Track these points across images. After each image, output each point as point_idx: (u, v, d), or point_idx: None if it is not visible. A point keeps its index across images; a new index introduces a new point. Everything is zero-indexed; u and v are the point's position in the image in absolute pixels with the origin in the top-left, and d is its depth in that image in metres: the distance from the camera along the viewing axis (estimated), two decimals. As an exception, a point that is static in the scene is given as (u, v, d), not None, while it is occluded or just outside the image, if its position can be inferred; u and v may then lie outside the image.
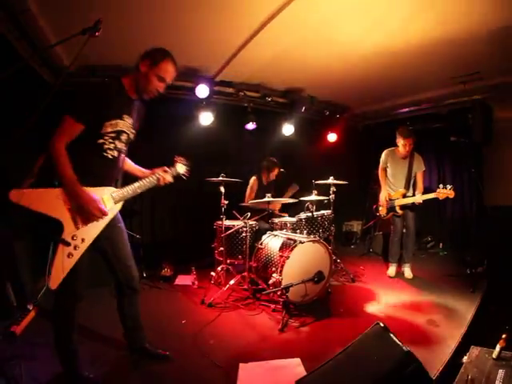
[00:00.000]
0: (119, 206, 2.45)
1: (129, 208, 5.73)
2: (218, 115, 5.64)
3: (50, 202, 2.10)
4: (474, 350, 2.22)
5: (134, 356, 2.76)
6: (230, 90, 5.58)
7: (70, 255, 2.14)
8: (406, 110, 6.56)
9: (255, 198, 5.18)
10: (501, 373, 1.96)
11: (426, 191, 4.67)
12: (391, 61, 4.49)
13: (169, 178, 2.68)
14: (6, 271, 3.41)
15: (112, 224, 2.45)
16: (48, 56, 4.04)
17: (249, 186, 5.51)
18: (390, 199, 4.98)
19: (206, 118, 5.52)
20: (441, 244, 6.45)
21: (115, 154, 2.37)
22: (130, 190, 2.45)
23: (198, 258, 5.40)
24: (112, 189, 2.38)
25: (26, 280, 3.54)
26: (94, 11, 2.59)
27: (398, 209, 4.88)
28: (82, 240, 2.19)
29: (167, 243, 5.95)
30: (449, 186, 4.37)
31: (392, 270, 5.06)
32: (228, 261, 4.58)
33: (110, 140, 2.30)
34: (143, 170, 2.73)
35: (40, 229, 3.83)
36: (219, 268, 4.61)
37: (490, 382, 1.92)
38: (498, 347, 2.11)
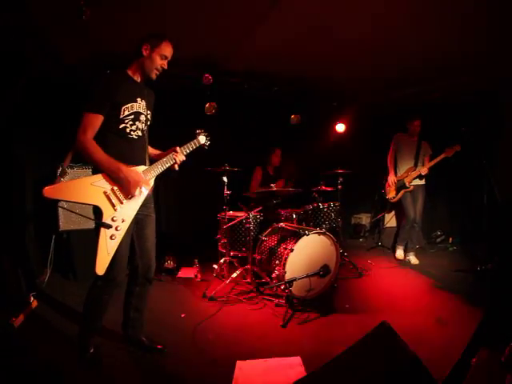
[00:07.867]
0: (151, 183, 2.52)
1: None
2: (223, 104, 5.55)
3: (84, 191, 2.20)
4: (483, 352, 2.12)
5: (130, 348, 2.73)
6: (236, 79, 5.46)
7: (112, 237, 2.22)
8: (416, 100, 6.34)
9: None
10: (509, 378, 1.86)
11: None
12: (397, 47, 4.29)
13: (182, 158, 2.66)
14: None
15: (145, 212, 2.57)
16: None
17: (253, 176, 5.43)
18: (399, 180, 5.15)
19: (210, 108, 5.42)
20: (450, 238, 6.29)
21: (139, 133, 2.48)
22: (155, 167, 2.51)
23: (202, 250, 5.29)
24: (142, 167, 2.48)
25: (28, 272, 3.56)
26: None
27: (407, 184, 5.05)
28: (123, 220, 2.29)
29: (170, 235, 5.89)
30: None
31: (400, 253, 5.25)
32: (231, 253, 4.49)
33: (131, 122, 2.41)
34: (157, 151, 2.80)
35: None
36: (222, 260, 4.53)
37: (499, 386, 1.83)
38: (507, 350, 2.01)
